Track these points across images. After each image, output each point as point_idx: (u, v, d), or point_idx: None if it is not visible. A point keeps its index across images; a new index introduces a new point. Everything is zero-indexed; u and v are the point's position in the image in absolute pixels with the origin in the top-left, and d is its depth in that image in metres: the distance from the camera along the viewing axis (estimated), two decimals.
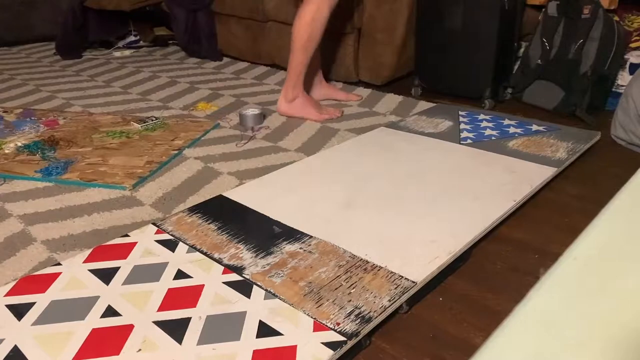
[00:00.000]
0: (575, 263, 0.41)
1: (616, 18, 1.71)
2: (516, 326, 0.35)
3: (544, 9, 1.77)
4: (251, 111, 1.71)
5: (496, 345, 0.33)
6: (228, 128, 1.70)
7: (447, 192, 1.17)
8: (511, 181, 1.22)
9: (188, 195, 1.25)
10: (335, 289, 0.84)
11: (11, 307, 0.81)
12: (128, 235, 1.01)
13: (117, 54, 2.88)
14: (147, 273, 0.89)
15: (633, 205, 0.48)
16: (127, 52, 2.90)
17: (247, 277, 0.87)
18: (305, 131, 1.67)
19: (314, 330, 0.75)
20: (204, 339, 0.74)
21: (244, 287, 0.85)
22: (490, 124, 1.60)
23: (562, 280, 0.39)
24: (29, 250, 1.02)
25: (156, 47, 3.03)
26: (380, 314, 0.79)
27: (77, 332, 0.76)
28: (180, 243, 0.98)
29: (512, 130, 1.55)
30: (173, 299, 0.83)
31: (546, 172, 1.26)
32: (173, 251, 0.96)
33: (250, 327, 0.76)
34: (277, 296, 0.82)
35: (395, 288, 0.84)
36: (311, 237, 0.99)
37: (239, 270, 0.89)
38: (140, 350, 0.72)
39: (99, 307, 0.81)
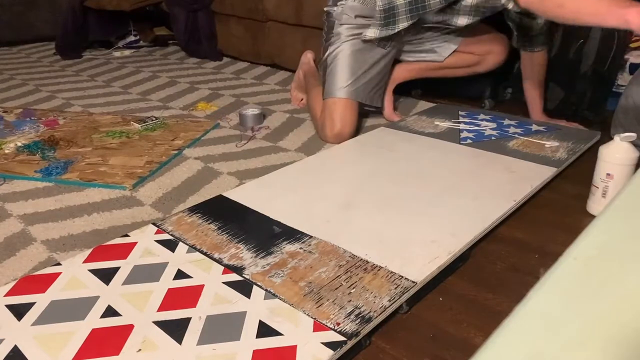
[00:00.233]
0: (575, 263, 0.41)
1: None
2: (516, 326, 0.35)
3: None
4: (251, 111, 1.71)
5: (496, 345, 0.33)
6: (228, 128, 1.70)
7: (447, 192, 1.17)
8: (511, 181, 1.22)
9: (188, 195, 1.25)
10: (335, 289, 0.84)
11: (11, 307, 0.81)
12: (128, 235, 1.01)
13: (117, 54, 2.88)
14: (147, 273, 0.89)
15: (633, 205, 0.48)
16: (127, 52, 2.90)
17: (247, 277, 0.87)
18: (305, 131, 1.67)
19: (314, 330, 0.75)
20: (204, 339, 0.74)
21: (244, 287, 0.85)
22: (490, 124, 1.60)
23: (562, 280, 0.39)
24: (28, 250, 1.02)
25: (156, 47, 3.03)
26: (380, 314, 0.79)
27: (77, 332, 0.76)
28: (180, 243, 0.98)
29: (512, 130, 1.55)
30: (173, 299, 0.83)
31: (546, 172, 1.26)
32: (173, 251, 0.96)
33: (250, 327, 0.76)
34: (277, 296, 0.82)
35: (395, 288, 0.84)
36: (311, 237, 0.99)
37: (239, 270, 0.89)
38: (140, 350, 0.72)
39: (99, 307, 0.81)
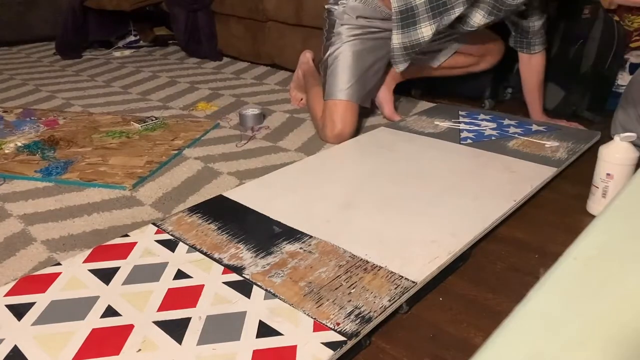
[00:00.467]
0: (575, 263, 0.41)
1: (616, 18, 1.71)
2: (516, 326, 0.35)
3: None
4: (251, 111, 1.71)
5: (496, 345, 0.33)
6: (228, 128, 1.70)
7: (447, 192, 1.17)
8: (511, 181, 1.22)
9: (188, 195, 1.25)
10: (335, 289, 0.84)
11: (11, 307, 0.81)
12: (128, 235, 1.01)
13: (117, 54, 2.88)
14: (147, 273, 0.89)
15: (633, 205, 0.48)
16: (127, 52, 2.90)
17: (247, 277, 0.87)
18: (305, 131, 1.67)
19: (314, 330, 0.75)
20: (204, 339, 0.74)
21: (244, 287, 0.85)
22: (490, 124, 1.60)
23: (562, 280, 0.39)
24: (28, 250, 1.02)
25: (156, 47, 3.03)
26: (380, 314, 0.79)
27: (77, 332, 0.76)
28: (180, 243, 0.98)
29: (512, 130, 1.55)
30: (173, 299, 0.83)
31: (546, 172, 1.26)
32: (173, 251, 0.96)
33: (250, 327, 0.76)
34: (277, 296, 0.82)
35: (395, 288, 0.84)
36: (311, 237, 0.99)
37: (239, 270, 0.89)
38: (140, 350, 0.72)
39: (99, 307, 0.81)
